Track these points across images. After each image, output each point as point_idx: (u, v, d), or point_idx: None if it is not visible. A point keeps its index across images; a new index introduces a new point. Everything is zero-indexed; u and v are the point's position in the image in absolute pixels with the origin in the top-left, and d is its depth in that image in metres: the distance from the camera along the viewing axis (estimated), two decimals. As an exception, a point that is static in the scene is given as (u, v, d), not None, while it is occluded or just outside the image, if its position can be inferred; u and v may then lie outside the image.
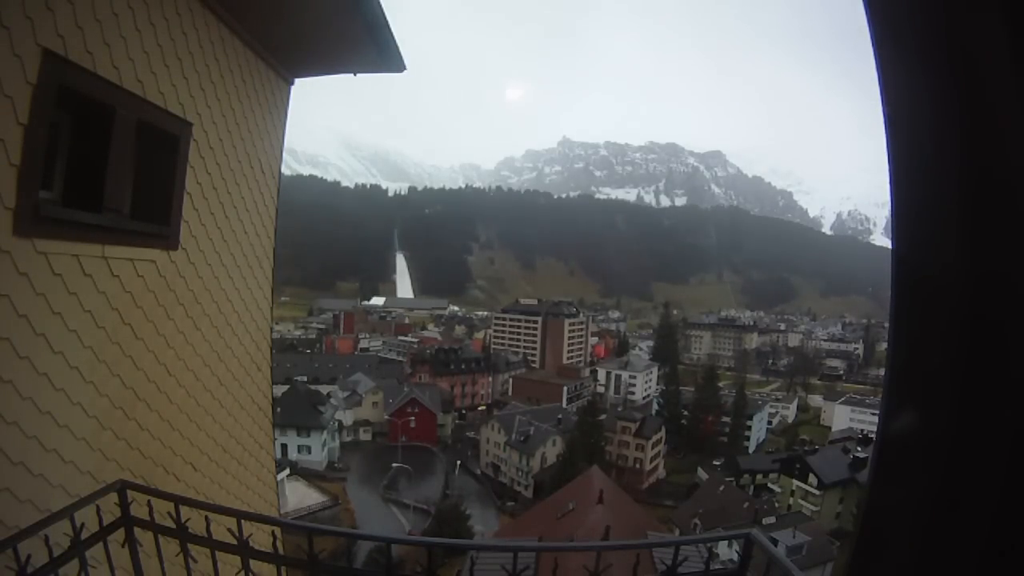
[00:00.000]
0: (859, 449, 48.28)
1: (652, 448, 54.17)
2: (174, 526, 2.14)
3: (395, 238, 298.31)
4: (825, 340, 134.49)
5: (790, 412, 79.49)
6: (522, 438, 50.87)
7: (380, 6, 3.80)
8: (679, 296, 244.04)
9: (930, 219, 1.04)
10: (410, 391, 59.56)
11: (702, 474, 53.55)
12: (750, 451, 62.43)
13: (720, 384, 70.44)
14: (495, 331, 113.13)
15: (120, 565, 2.21)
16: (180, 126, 3.24)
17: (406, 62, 4.58)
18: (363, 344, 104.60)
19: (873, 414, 59.22)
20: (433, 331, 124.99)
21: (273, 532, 2.13)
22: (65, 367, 2.56)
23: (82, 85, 2.50)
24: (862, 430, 58.35)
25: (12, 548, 1.80)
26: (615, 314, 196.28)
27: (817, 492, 44.66)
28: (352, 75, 4.87)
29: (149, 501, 2.18)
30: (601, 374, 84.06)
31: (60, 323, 2.51)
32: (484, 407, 73.13)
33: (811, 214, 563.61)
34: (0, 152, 2.11)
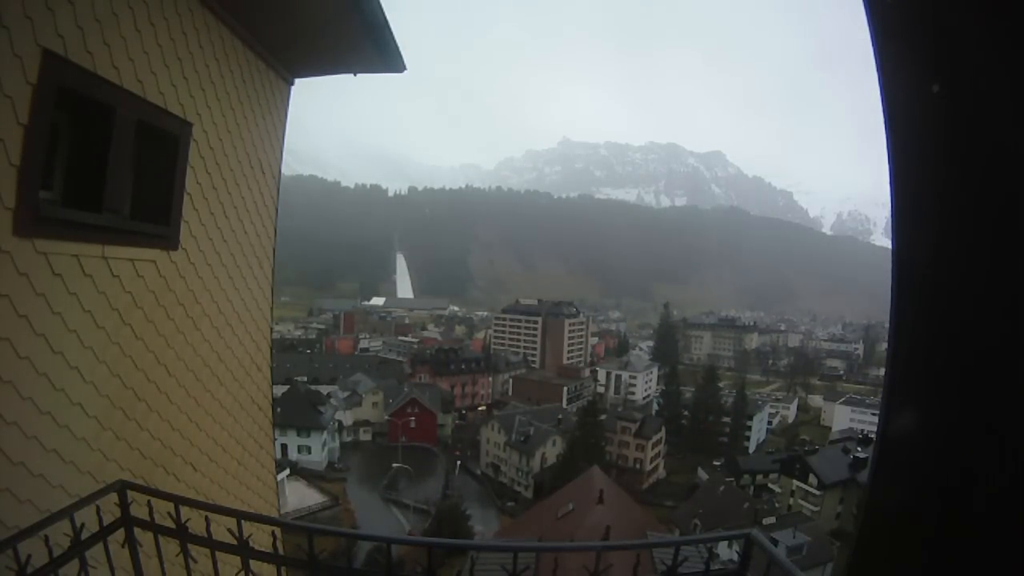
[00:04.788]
0: (859, 449, 48.19)
1: (652, 448, 54.13)
2: (174, 526, 2.13)
3: (395, 238, 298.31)
4: (825, 340, 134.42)
5: (790, 412, 79.42)
6: (522, 438, 50.83)
7: (380, 6, 3.80)
8: (679, 296, 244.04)
9: (930, 219, 1.04)
10: (410, 391, 59.47)
11: (702, 474, 53.51)
12: (750, 451, 62.36)
13: (720, 384, 70.28)
14: (495, 331, 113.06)
15: (120, 565, 2.21)
16: (180, 126, 3.24)
17: (406, 62, 4.58)
18: (363, 344, 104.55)
19: (873, 414, 59.17)
20: (433, 331, 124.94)
21: (273, 532, 2.12)
22: (65, 367, 2.56)
23: (82, 85, 2.50)
24: (862, 430, 58.28)
25: (12, 548, 1.79)
26: (615, 314, 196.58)
27: (817, 492, 44.61)
28: (352, 75, 4.86)
29: (149, 501, 2.18)
30: (601, 374, 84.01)
31: (60, 323, 2.51)
32: (484, 407, 73.05)
33: (811, 214, 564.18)
34: (0, 152, 2.12)
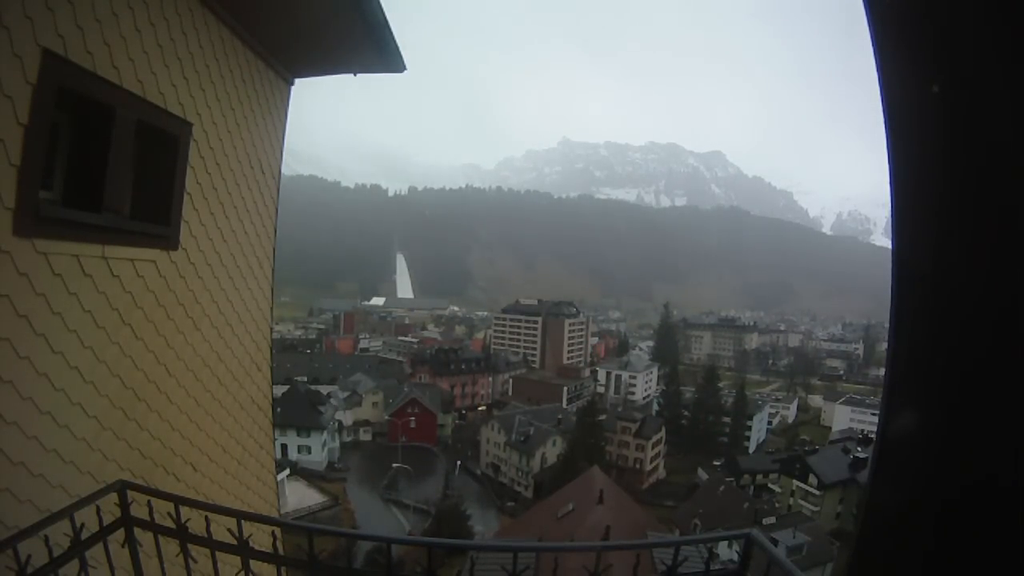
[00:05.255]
0: (859, 449, 48.15)
1: (652, 448, 54.12)
2: (174, 526, 2.14)
3: (395, 238, 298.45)
4: (825, 340, 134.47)
5: (790, 412, 79.42)
6: (522, 438, 50.83)
7: (380, 6, 3.80)
8: (679, 296, 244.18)
9: (930, 219, 1.04)
10: (410, 391, 59.48)
11: (702, 474, 53.49)
12: (750, 451, 62.35)
13: (720, 384, 70.22)
14: (495, 331, 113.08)
15: (120, 565, 2.21)
16: (180, 126, 3.24)
17: (406, 62, 4.58)
18: (363, 344, 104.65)
19: (873, 414, 59.16)
20: (433, 331, 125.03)
21: (273, 532, 2.12)
22: (65, 367, 2.56)
23: (82, 85, 2.50)
24: (862, 430, 58.25)
25: (12, 548, 1.79)
26: (615, 314, 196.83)
27: (817, 492, 44.60)
28: (352, 75, 4.87)
29: (149, 501, 2.18)
30: (601, 374, 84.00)
31: (60, 323, 2.51)
32: (484, 407, 73.05)
33: (811, 214, 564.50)
34: (0, 152, 2.12)
